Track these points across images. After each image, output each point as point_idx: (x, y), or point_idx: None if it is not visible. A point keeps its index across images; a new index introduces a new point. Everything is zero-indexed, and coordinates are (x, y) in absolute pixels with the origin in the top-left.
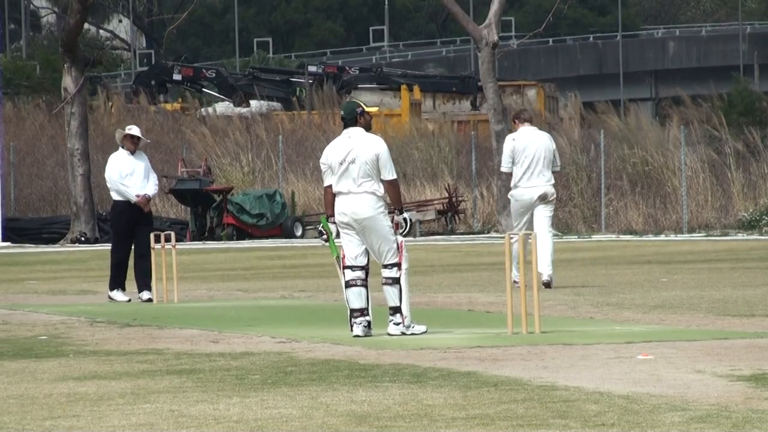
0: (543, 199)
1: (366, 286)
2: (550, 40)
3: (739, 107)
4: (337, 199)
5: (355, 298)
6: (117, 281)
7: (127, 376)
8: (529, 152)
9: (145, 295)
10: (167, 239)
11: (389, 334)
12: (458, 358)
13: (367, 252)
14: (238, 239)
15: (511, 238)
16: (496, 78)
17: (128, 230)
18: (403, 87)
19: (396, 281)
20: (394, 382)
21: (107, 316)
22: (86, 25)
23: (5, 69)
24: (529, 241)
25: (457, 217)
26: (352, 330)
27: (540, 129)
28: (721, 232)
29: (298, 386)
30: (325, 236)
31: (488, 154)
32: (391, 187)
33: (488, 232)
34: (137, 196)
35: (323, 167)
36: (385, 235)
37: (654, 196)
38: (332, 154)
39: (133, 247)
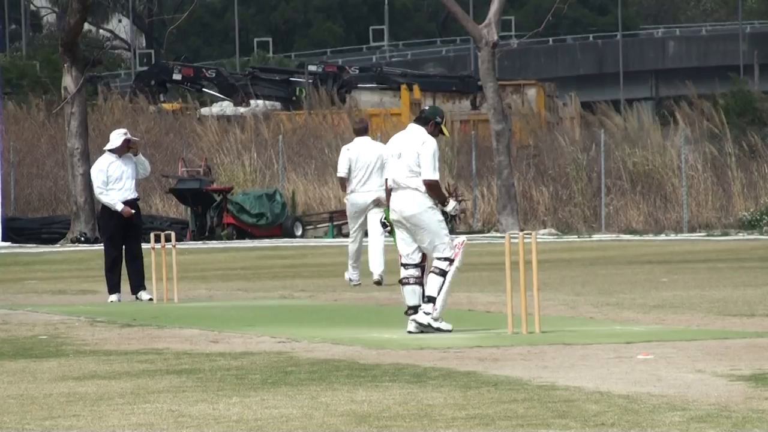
0: (377, 204)
1: (420, 284)
2: (550, 39)
3: (737, 108)
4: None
5: (409, 295)
6: (110, 284)
7: (127, 376)
8: (362, 162)
9: (145, 295)
10: (167, 239)
11: (416, 321)
12: (458, 358)
13: (420, 248)
14: (238, 239)
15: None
16: (496, 77)
17: (118, 234)
18: (403, 86)
19: (443, 273)
20: (394, 382)
21: (107, 316)
22: (86, 25)
23: (6, 69)
24: (528, 240)
25: (457, 217)
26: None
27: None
28: (722, 231)
29: (298, 386)
30: (388, 228)
31: (488, 153)
32: (428, 187)
33: (488, 232)
34: (123, 206)
35: (386, 159)
36: (436, 230)
37: (654, 195)
38: (390, 146)
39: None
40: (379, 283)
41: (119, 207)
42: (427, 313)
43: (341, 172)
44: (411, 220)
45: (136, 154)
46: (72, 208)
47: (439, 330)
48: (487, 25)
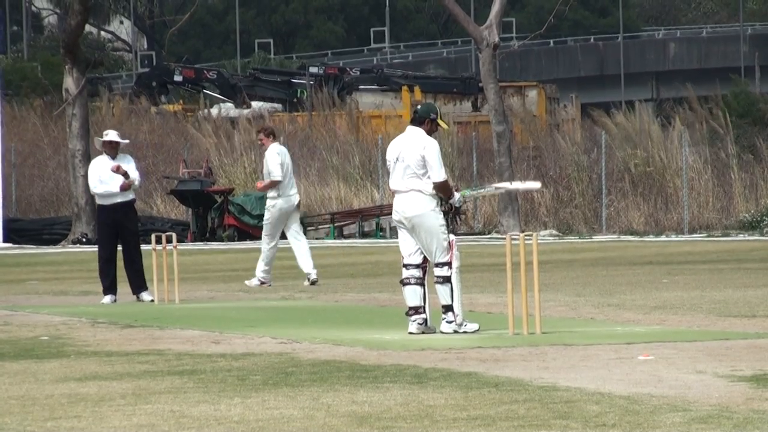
0: (297, 207)
1: (422, 284)
2: (551, 41)
3: (739, 109)
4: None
5: (410, 296)
6: (103, 286)
7: (128, 377)
8: (287, 165)
9: (146, 296)
10: (168, 240)
11: (442, 332)
12: (459, 359)
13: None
14: (239, 240)
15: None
16: (497, 79)
17: (108, 234)
18: (404, 88)
19: (447, 280)
20: (395, 383)
21: (108, 317)
22: (87, 27)
23: (7, 70)
24: (529, 241)
25: (458, 218)
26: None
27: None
28: (722, 232)
29: (299, 387)
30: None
31: (489, 155)
32: (438, 188)
33: (489, 233)
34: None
35: (387, 163)
36: (435, 232)
37: (655, 196)
38: (389, 150)
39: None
40: (315, 282)
41: (115, 188)
42: (449, 322)
43: (278, 175)
44: (413, 221)
45: (114, 157)
46: (73, 209)
47: (466, 333)
48: (488, 27)
